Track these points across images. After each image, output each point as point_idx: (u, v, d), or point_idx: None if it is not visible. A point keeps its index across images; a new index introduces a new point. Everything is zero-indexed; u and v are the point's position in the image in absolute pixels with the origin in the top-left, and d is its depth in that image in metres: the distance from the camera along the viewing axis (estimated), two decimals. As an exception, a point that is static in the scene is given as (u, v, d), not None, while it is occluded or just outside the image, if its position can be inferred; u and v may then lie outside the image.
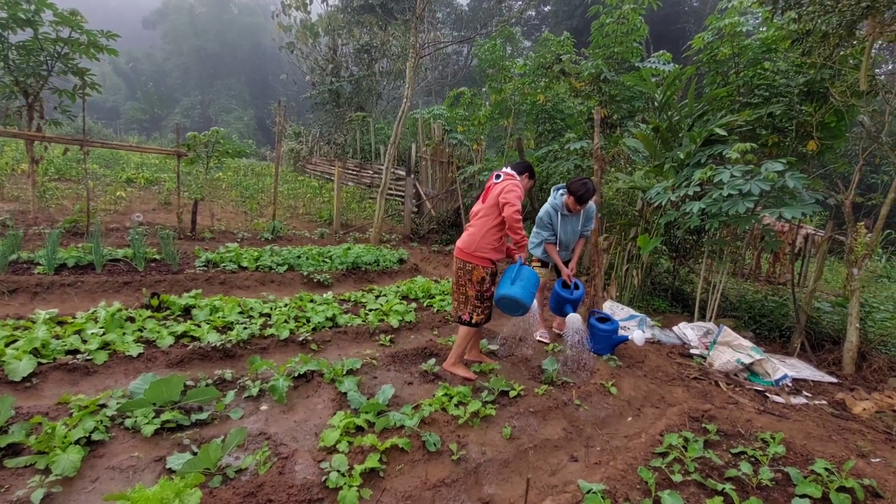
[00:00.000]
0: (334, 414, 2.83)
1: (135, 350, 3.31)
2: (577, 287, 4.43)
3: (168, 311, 4.09)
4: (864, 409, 3.95)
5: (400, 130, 8.88)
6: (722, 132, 5.18)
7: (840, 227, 6.34)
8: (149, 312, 3.96)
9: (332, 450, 2.51)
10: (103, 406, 2.65)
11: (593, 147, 6.01)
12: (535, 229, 4.69)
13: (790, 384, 4.40)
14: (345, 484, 2.26)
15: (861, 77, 4.72)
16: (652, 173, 6.13)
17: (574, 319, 4.15)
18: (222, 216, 9.25)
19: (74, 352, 3.22)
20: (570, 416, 3.33)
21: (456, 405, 3.10)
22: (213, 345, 3.51)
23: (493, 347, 4.31)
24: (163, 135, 31.55)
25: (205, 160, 7.49)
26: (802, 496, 2.50)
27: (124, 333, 3.52)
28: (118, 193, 9.07)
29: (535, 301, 4.06)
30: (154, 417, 2.59)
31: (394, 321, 4.59)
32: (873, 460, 3.24)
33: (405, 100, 8.49)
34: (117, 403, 2.66)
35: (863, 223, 5.88)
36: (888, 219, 5.04)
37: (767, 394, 4.21)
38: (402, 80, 13.12)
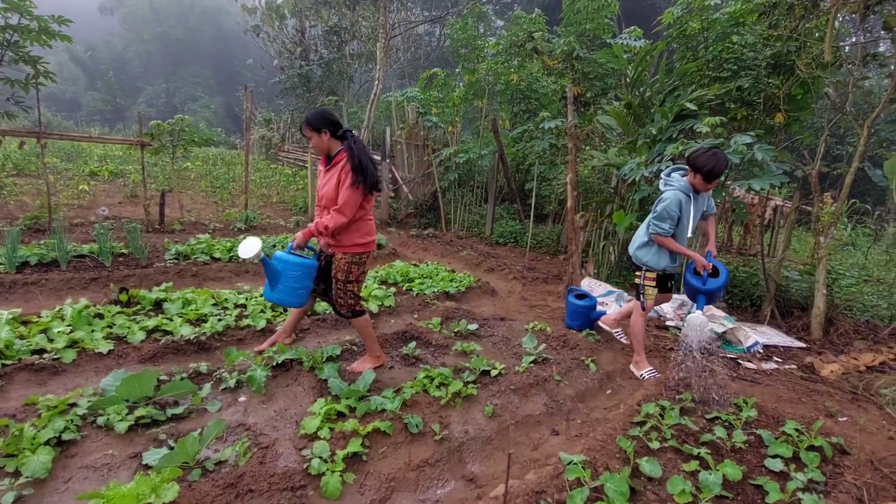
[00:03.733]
0: (315, 401, 2.80)
1: (104, 347, 3.21)
2: (715, 272, 3.49)
3: (138, 306, 3.97)
4: (832, 372, 4.10)
5: (373, 114, 8.75)
6: (692, 107, 5.23)
7: (807, 198, 6.52)
8: (118, 308, 3.84)
9: (313, 437, 2.49)
10: (73, 405, 2.56)
11: (567, 125, 6.01)
12: (652, 227, 3.62)
13: (761, 350, 4.54)
14: (327, 470, 2.25)
15: (825, 48, 4.79)
16: (625, 150, 6.17)
17: (694, 322, 3.29)
18: (192, 207, 9.01)
19: (41, 351, 3.11)
20: (550, 391, 3.37)
21: (437, 386, 3.10)
22: (187, 338, 3.43)
23: (473, 327, 4.32)
24: (127, 125, 30.46)
25: (171, 150, 7.24)
26: (774, 456, 2.59)
27: (93, 330, 3.40)
28: (81, 187, 8.73)
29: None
30: (127, 414, 2.52)
31: (373, 306, 4.55)
32: (840, 419, 3.38)
33: (377, 82, 8.34)
34: (88, 402, 2.58)
35: (829, 193, 6.04)
36: (853, 188, 5.19)
37: (740, 361, 4.33)
38: (374, 62, 12.87)
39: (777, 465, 2.52)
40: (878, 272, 6.67)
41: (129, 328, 3.49)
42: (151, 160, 9.86)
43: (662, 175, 3.73)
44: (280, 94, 18.97)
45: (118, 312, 3.76)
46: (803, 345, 4.79)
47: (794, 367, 4.29)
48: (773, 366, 4.27)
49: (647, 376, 3.82)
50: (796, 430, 2.82)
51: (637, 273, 3.84)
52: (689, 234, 3.61)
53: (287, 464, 2.29)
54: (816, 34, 5.40)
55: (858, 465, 2.66)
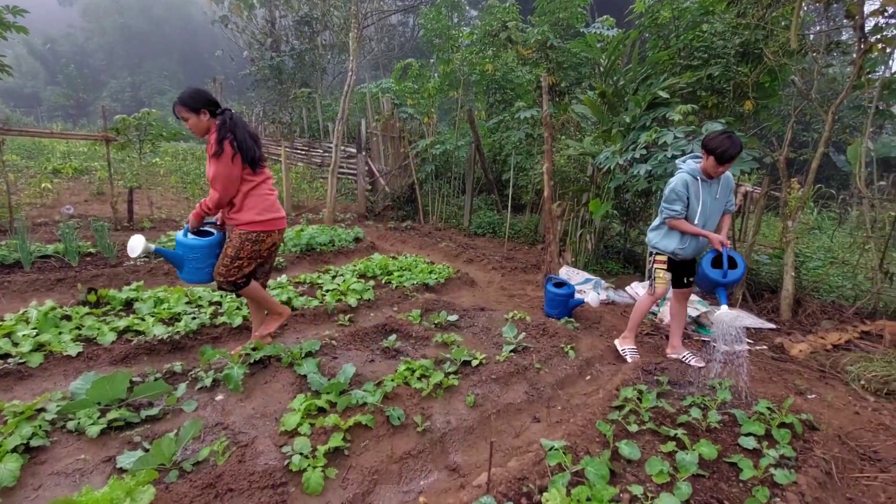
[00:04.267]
0: (294, 397, 2.76)
1: (73, 349, 3.11)
2: (733, 264, 3.32)
3: (108, 307, 3.85)
4: (801, 351, 4.24)
5: (347, 106, 8.61)
6: (665, 95, 5.30)
7: (776, 184, 6.71)
8: (86, 309, 3.71)
9: (293, 433, 2.46)
10: (42, 410, 2.47)
11: (543, 115, 6.03)
12: (664, 212, 3.59)
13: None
14: (308, 465, 2.22)
15: (791, 36, 4.90)
16: (600, 138, 6.23)
17: (725, 318, 3.20)
18: (162, 204, 8.77)
19: (5, 356, 2.99)
20: (531, 379, 3.40)
21: (418, 378, 3.10)
22: (160, 338, 3.34)
23: (453, 318, 4.32)
24: (91, 121, 29.41)
25: (138, 145, 7.01)
26: (747, 434, 2.67)
27: (60, 333, 3.29)
28: (44, 185, 8.40)
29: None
30: (99, 417, 2.45)
31: (352, 300, 4.51)
32: (809, 396, 3.50)
33: (350, 73, 8.21)
34: (57, 406, 2.49)
35: (796, 179, 6.21)
36: (818, 173, 5.34)
37: (713, 343, 4.44)
38: (347, 53, 12.66)
39: (750, 442, 2.60)
40: (842, 254, 6.90)
41: (98, 329, 3.38)
42: (118, 156, 9.53)
43: (677, 162, 3.70)
44: (251, 87, 18.51)
45: (87, 314, 3.64)
46: (773, 326, 4.93)
47: (765, 347, 4.42)
48: (746, 347, 4.39)
49: (627, 353, 3.90)
50: (768, 408, 2.91)
51: (649, 258, 3.86)
52: (697, 221, 3.49)
53: (267, 461, 2.26)
54: (783, 23, 5.51)
55: (827, 440, 2.76)
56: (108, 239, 5.18)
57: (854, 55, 5.06)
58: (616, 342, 4.07)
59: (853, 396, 3.55)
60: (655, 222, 3.75)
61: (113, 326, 3.43)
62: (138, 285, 4.24)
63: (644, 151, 5.09)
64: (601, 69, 6.69)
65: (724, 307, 3.27)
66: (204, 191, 10.37)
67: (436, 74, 10.52)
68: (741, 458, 2.44)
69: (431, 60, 10.63)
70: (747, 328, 4.81)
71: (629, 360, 3.87)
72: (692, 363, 3.75)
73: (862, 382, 3.67)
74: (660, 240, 3.69)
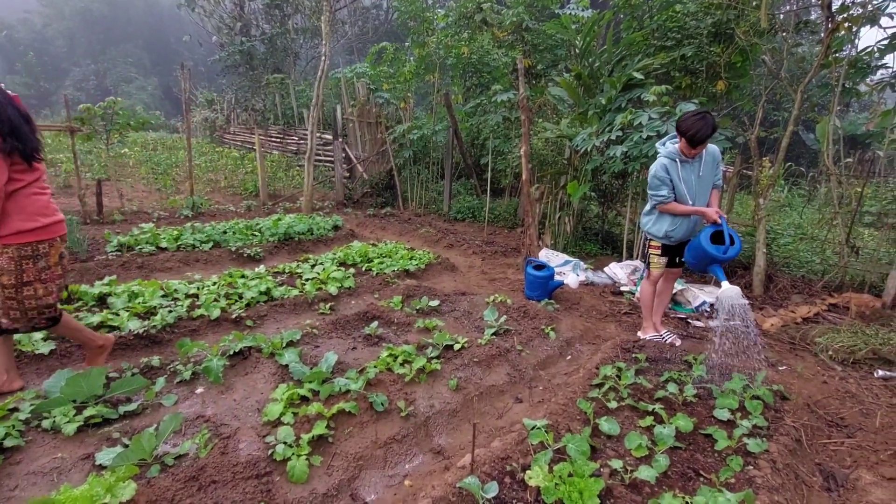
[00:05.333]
0: (276, 387, 2.75)
1: (45, 347, 3.03)
2: (732, 241, 3.21)
3: (80, 303, 3.75)
4: (772, 325, 4.38)
5: (322, 91, 8.45)
6: (639, 76, 5.33)
7: (748, 163, 6.84)
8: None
9: (276, 423, 2.45)
10: (15, 410, 2.41)
11: (519, 98, 6.02)
12: (652, 201, 3.62)
13: (708, 309, 4.78)
14: (293, 454, 2.22)
15: (762, 16, 4.97)
16: (577, 121, 6.25)
17: (730, 294, 3.11)
18: (133, 196, 8.53)
19: (-28, 356, 2.89)
20: (512, 361, 3.44)
21: (401, 364, 3.10)
22: (136, 332, 3.27)
23: (434, 304, 4.33)
24: (55, 111, 28.34)
25: (104, 135, 6.78)
26: (722, 407, 2.75)
27: (31, 330, 3.19)
28: (6, 179, 8.07)
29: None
30: (76, 415, 2.40)
31: (332, 288, 4.48)
32: (780, 368, 3.62)
33: (324, 58, 8.04)
34: (31, 405, 2.42)
35: (767, 158, 6.35)
36: (788, 151, 5.47)
37: (689, 320, 4.55)
38: (320, 37, 12.38)
39: (724, 414, 2.68)
40: (811, 230, 7.11)
41: (71, 326, 3.29)
42: (84, 147, 9.21)
43: (657, 145, 3.69)
44: (222, 73, 18.01)
45: (58, 310, 3.53)
46: (746, 301, 5.06)
47: (738, 322, 4.54)
48: (753, 322, 4.50)
49: (647, 338, 3.90)
50: (741, 381, 3.01)
51: (645, 242, 3.88)
52: (690, 203, 3.48)
53: (251, 451, 2.24)
54: (753, 2, 5.57)
55: (797, 409, 2.87)
56: (78, 233, 5.02)
57: (822, 34, 5.15)
58: (639, 334, 4.03)
59: (821, 367, 3.69)
60: (647, 207, 3.76)
61: (86, 323, 3.33)
62: (111, 280, 4.13)
63: (620, 133, 5.13)
64: (576, 51, 6.70)
65: (726, 284, 3.19)
66: (176, 181, 10.12)
67: (411, 58, 10.37)
68: (716, 430, 2.52)
69: (406, 44, 10.46)
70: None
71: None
72: (669, 341, 3.83)
73: (829, 353, 3.82)
74: (651, 225, 3.71)
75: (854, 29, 4.86)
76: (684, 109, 4.64)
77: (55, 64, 40.36)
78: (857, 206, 5.76)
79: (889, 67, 5.30)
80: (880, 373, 3.54)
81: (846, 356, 3.75)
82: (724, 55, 5.52)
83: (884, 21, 4.77)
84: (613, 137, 5.13)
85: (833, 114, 5.38)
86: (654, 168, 3.52)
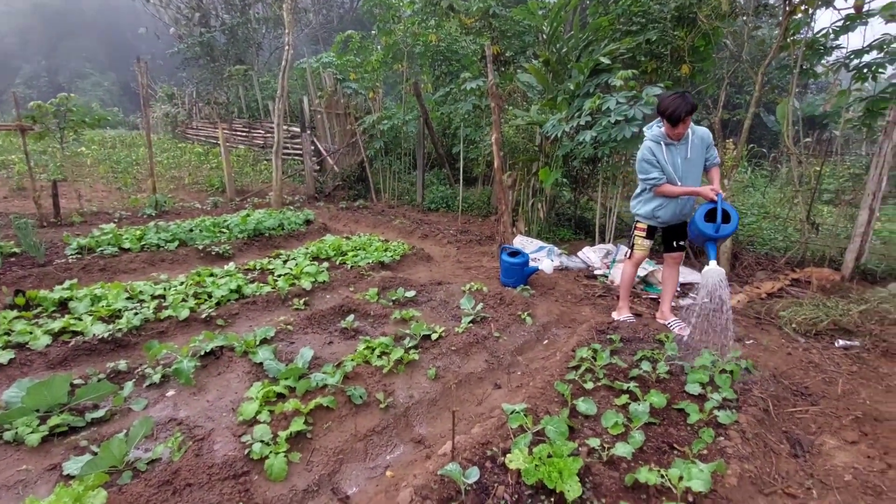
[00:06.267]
0: (251, 386, 2.69)
1: (4, 357, 2.88)
2: (727, 218, 3.17)
3: (40, 308, 3.59)
4: (738, 301, 4.51)
5: (287, 82, 8.24)
6: (606, 61, 5.37)
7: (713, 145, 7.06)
8: (15, 313, 3.44)
9: (252, 422, 2.40)
10: (-28, 423, 2.30)
11: (488, 85, 5.99)
12: (642, 185, 3.68)
13: (679, 289, 4.89)
14: (270, 452, 2.18)
15: (722, 0, 5.05)
16: (546, 107, 6.27)
17: (712, 273, 3.13)
18: (92, 196, 8.19)
19: (-77, 370, 2.74)
20: (490, 348, 3.45)
21: (379, 356, 3.08)
22: (101, 336, 3.15)
23: (410, 294, 4.31)
24: (5, 110, 26.88)
25: (58, 134, 6.47)
26: (693, 383, 2.83)
27: (-14, 340, 3.04)
28: (-46, 182, 7.66)
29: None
30: (39, 425, 2.30)
31: (306, 283, 4.41)
32: (747, 342, 3.74)
33: (287, 47, 7.84)
34: (-10, 417, 2.32)
35: (731, 140, 6.51)
36: (750, 133, 5.61)
37: (660, 300, 4.65)
38: (282, 26, 12.07)
39: (696, 389, 2.76)
40: (774, 209, 7.34)
41: (31, 333, 3.15)
42: (37, 147, 8.79)
43: (644, 129, 3.69)
44: (181, 66, 17.40)
45: (16, 317, 3.38)
46: (726, 283, 5.21)
47: (713, 301, 4.66)
48: (690, 301, 4.63)
49: (621, 319, 3.94)
50: (711, 357, 3.09)
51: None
52: (678, 185, 3.49)
53: (227, 452, 2.20)
54: (714, -14, 5.66)
55: (764, 381, 2.97)
56: (34, 237, 4.80)
57: (780, 17, 5.28)
58: (614, 315, 4.09)
59: (786, 339, 3.83)
60: (637, 190, 3.79)
61: (46, 329, 3.20)
62: (72, 284, 3.96)
63: (589, 118, 5.17)
64: (544, 37, 6.70)
65: (713, 263, 3.18)
66: (138, 179, 9.77)
67: (378, 47, 10.20)
68: (688, 404, 2.59)
69: (373, 32, 10.28)
70: (691, 283, 5.06)
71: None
72: (677, 331, 3.73)
73: (793, 326, 3.96)
74: (640, 206, 3.75)
75: (811, 11, 5.00)
76: (651, 93, 4.70)
77: (5, 61, 38.23)
78: (817, 184, 5.97)
79: (844, 48, 5.47)
80: (841, 342, 3.70)
81: (809, 328, 3.90)
82: (687, 39, 5.61)
83: (838, 3, 4.91)
84: (583, 123, 5.17)
85: (792, 95, 5.53)
86: (641, 152, 3.55)
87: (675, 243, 3.81)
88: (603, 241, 6.38)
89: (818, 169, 6.08)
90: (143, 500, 1.85)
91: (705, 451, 2.25)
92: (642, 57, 5.94)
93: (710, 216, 3.21)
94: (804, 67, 5.58)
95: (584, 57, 5.86)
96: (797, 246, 5.69)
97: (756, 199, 8.51)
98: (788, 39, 5.14)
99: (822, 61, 5.86)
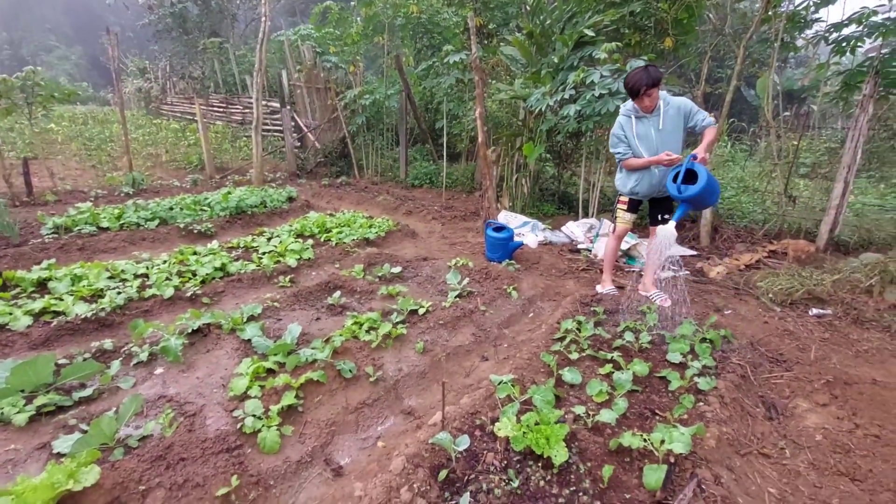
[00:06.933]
0: (240, 362, 2.70)
1: (-17, 338, 2.84)
2: (691, 176, 3.15)
3: (18, 289, 3.51)
4: (718, 273, 4.63)
5: (265, 56, 8.01)
6: (590, 33, 5.33)
7: (693, 119, 7.12)
8: (-8, 294, 3.37)
9: (243, 397, 2.42)
10: (-45, 405, 2.27)
11: (472, 58, 5.91)
12: (615, 158, 3.78)
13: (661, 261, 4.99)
14: (263, 426, 2.20)
15: (705, -30, 5.02)
16: (530, 81, 6.22)
17: (661, 234, 3.18)
18: (65, 174, 7.94)
19: None
20: (477, 321, 3.50)
21: (367, 331, 3.11)
22: (84, 316, 3.10)
23: (396, 270, 4.32)
24: (-36, 85, 25.62)
25: (26, 109, 6.22)
26: (674, 352, 2.92)
27: (-36, 322, 2.98)
28: (-84, 161, 7.33)
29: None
30: (26, 405, 2.28)
31: (291, 261, 4.38)
32: (726, 312, 3.85)
33: (264, 19, 7.59)
34: (-26, 399, 2.29)
35: (712, 114, 6.56)
36: (731, 107, 5.66)
37: (642, 272, 4.74)
38: (259, -3, 11.66)
39: (677, 358, 2.85)
40: (753, 183, 7.48)
41: (10, 314, 3.08)
42: (4, 124, 8.45)
43: (622, 107, 3.72)
44: (153, 38, 16.73)
45: (-7, 299, 3.31)
46: (694, 252, 5.33)
47: (687, 272, 4.78)
48: (671, 274, 4.73)
49: (604, 292, 4.00)
50: (692, 327, 3.19)
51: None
52: (644, 156, 3.52)
53: (219, 427, 2.22)
54: (698, -43, 5.62)
55: (741, 348, 3.08)
56: (7, 217, 4.66)
57: (762, -11, 5.27)
58: (597, 288, 4.14)
59: (763, 308, 3.95)
60: (619, 175, 3.87)
61: (26, 310, 3.14)
62: (50, 264, 3.88)
63: (573, 92, 5.15)
64: (527, 8, 6.60)
65: (671, 224, 3.20)
66: (112, 156, 9.49)
67: (358, 19, 9.94)
68: (669, 372, 2.68)
69: (352, 3, 10.01)
70: (671, 256, 5.16)
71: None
72: (659, 302, 3.78)
73: (770, 296, 4.09)
74: (620, 182, 3.85)
75: (792, -17, 5.01)
76: (634, 66, 4.69)
77: (-40, 32, 36.36)
78: (794, 158, 6.08)
79: (824, 21, 5.52)
80: (814, 311, 3.83)
81: (784, 298, 4.03)
82: (671, 11, 5.59)
83: (819, -25, 4.93)
84: (567, 96, 5.15)
85: (773, 69, 5.58)
86: (613, 128, 3.68)
87: (659, 216, 3.86)
88: (586, 215, 6.44)
89: (796, 143, 6.18)
90: (137, 474, 1.86)
91: (686, 416, 2.34)
92: (626, 29, 5.91)
93: (688, 178, 3.19)
94: (785, 41, 5.62)
95: (568, 29, 5.81)
96: (775, 219, 5.82)
97: (736, 174, 8.65)
98: (770, 12, 5.16)
99: (802, 35, 5.91)
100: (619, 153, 3.66)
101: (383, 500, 1.74)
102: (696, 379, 2.61)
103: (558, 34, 5.85)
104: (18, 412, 2.23)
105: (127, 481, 1.82)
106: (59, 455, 2.03)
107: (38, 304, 3.19)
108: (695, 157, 3.22)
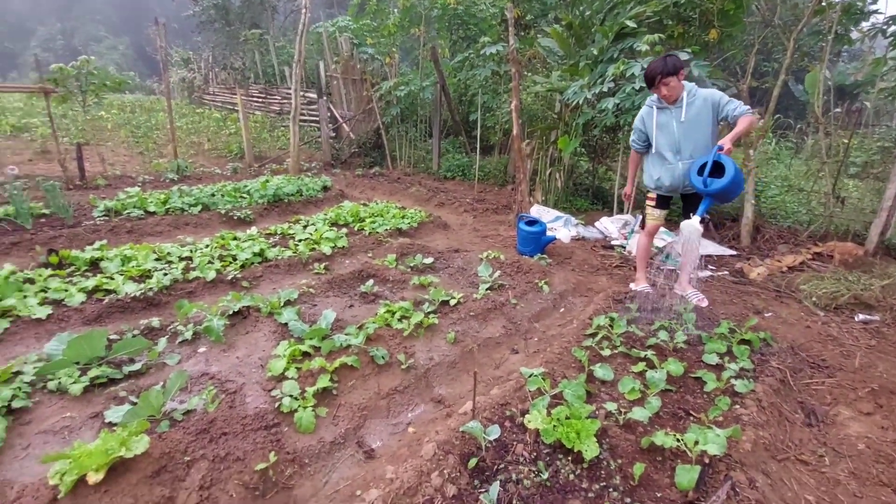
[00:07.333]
0: (278, 345, 2.80)
1: (42, 312, 3.01)
2: (718, 169, 3.04)
3: (72, 268, 3.71)
4: (759, 274, 4.49)
5: (304, 47, 8.14)
6: (632, 24, 5.21)
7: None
8: (49, 271, 3.57)
9: (280, 378, 2.50)
10: (18, 373, 2.43)
11: (509, 50, 5.87)
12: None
13: (698, 261, 4.86)
14: (299, 406, 2.28)
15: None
16: (567, 73, 6.13)
17: (686, 229, 3.09)
18: (115, 160, 8.30)
19: (-32, 323, 2.88)
20: (508, 314, 3.51)
21: (399, 319, 3.16)
22: (133, 295, 3.26)
23: (428, 261, 4.36)
24: (23, 73, 27.06)
25: (80, 97, 6.52)
26: (710, 352, 2.86)
27: (25, 297, 3.17)
28: (-20, 145, 7.81)
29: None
30: (80, 376, 2.43)
31: (326, 248, 4.48)
32: (766, 315, 3.74)
33: (304, 10, 7.71)
34: (34, 368, 2.45)
35: (756, 109, 6.33)
36: (778, 101, 5.45)
37: (678, 271, 4.64)
38: (299, -11, 11.84)
39: (713, 359, 2.79)
40: (798, 182, 7.19)
41: (66, 291, 3.27)
42: (59, 110, 8.87)
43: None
44: (196, 30, 17.22)
45: (51, 275, 3.51)
46: (734, 252, 5.18)
47: (726, 273, 4.65)
48: (709, 273, 4.62)
49: (638, 290, 3.90)
50: (729, 328, 3.11)
51: None
52: (666, 148, 3.46)
53: (258, 405, 2.31)
54: (748, -55, 5.41)
55: (781, 352, 2.99)
56: (62, 199, 4.92)
57: (817, -21, 5.04)
58: (631, 286, 4.06)
59: (805, 312, 3.82)
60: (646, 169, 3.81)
61: (81, 287, 3.33)
62: (101, 244, 4.09)
63: (612, 84, 5.06)
64: None
65: (695, 218, 3.11)
66: (158, 144, 9.85)
67: (395, 10, 9.98)
68: (705, 373, 2.63)
69: (390, -6, 10.06)
70: (711, 255, 5.04)
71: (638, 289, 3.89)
72: (695, 301, 3.70)
73: (813, 299, 3.94)
74: (646, 177, 3.77)
75: (850, -28, 4.77)
76: (677, 59, 4.56)
77: (20, 24, 38.20)
78: (844, 157, 5.81)
79: (882, 13, 5.23)
80: (861, 317, 3.68)
81: (829, 302, 3.88)
82: (716, 2, 5.39)
83: (880, -36, 4.67)
84: (605, 89, 5.06)
85: (824, 63, 5.34)
86: (635, 117, 3.73)
87: (690, 215, 3.76)
88: (621, 211, 6.33)
89: (846, 141, 5.91)
90: (183, 446, 1.96)
91: (721, 418, 2.30)
92: (669, 20, 5.73)
93: (714, 170, 3.08)
94: (838, 33, 5.36)
95: (609, 20, 5.69)
96: (821, 220, 5.59)
97: (780, 172, 8.33)
98: (823, 3, 4.92)
99: (858, 27, 5.62)
100: (632, 141, 3.77)
101: (414, 484, 1.79)
102: (732, 381, 2.56)
103: (598, 25, 5.74)
104: (74, 382, 2.38)
105: (173, 451, 1.92)
106: (111, 424, 2.16)
107: (91, 282, 3.38)
108: (721, 149, 3.09)
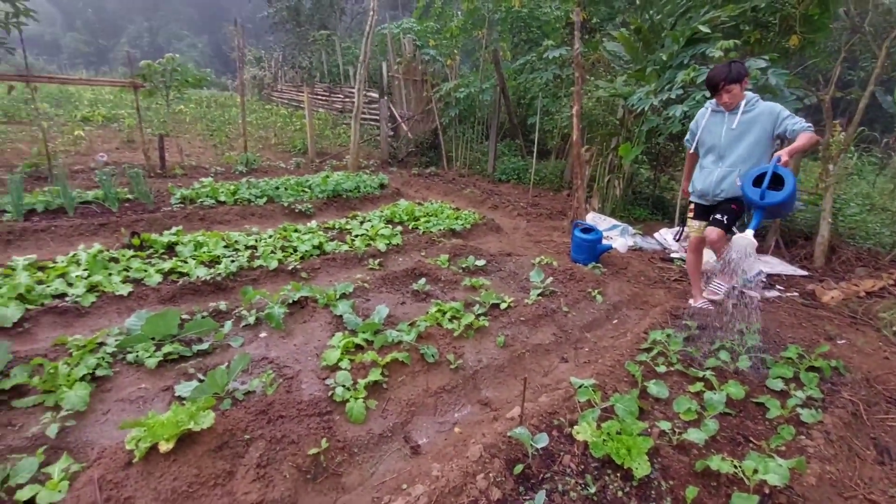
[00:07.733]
0: (332, 336, 2.90)
1: (124, 289, 3.28)
2: (777, 181, 2.88)
3: (151, 250, 4.01)
4: (832, 298, 4.20)
5: (369, 48, 8.37)
6: (705, 29, 5.00)
7: (816, 125, 6.37)
8: (131, 252, 3.88)
9: (334, 368, 2.60)
10: (102, 344, 2.66)
11: (574, 53, 5.79)
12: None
13: (765, 279, 4.61)
14: (351, 397, 2.37)
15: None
16: (633, 79, 5.97)
17: (739, 243, 2.83)
18: (191, 151, 8.86)
19: (61, 295, 3.17)
20: (559, 322, 3.47)
21: (450, 320, 3.19)
22: (203, 279, 3.49)
23: (480, 263, 4.38)
24: (112, 68, 29.29)
25: (164, 91, 7.01)
26: (775, 377, 2.71)
27: (110, 274, 3.46)
28: (76, 133, 8.55)
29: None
30: (155, 351, 2.63)
31: (381, 245, 4.59)
32: (839, 342, 3.50)
33: (371, 13, 7.92)
34: (116, 340, 2.67)
35: (838, 122, 5.90)
36: (864, 113, 5.07)
37: (743, 290, 4.41)
38: (366, -9, 12.16)
39: (778, 384, 2.65)
40: (882, 201, 6.65)
41: (145, 271, 3.55)
42: (144, 103, 9.57)
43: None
44: (269, 30, 18.08)
45: (132, 256, 3.81)
46: (805, 273, 4.86)
47: (796, 294, 4.38)
48: (776, 294, 4.37)
49: (697, 307, 3.70)
50: (798, 354, 2.93)
51: None
52: (707, 152, 3.42)
53: (312, 392, 2.41)
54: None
55: (854, 383, 2.79)
56: (144, 186, 5.31)
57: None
58: (690, 301, 3.88)
59: (884, 342, 3.54)
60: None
61: (158, 268, 3.59)
62: (178, 230, 4.39)
63: (681, 91, 4.88)
64: (636, 2, 6.31)
65: (749, 231, 2.89)
66: (230, 137, 10.42)
67: (459, 13, 10.06)
68: (768, 399, 2.50)
69: (455, -3, 10.16)
70: (780, 275, 4.76)
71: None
72: (708, 296, 3.66)
73: (894, 329, 3.64)
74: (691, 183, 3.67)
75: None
76: (753, 67, 4.35)
77: (112, 21, 41.49)
78: (939, 175, 5.31)
79: None
80: (950, 351, 3.37)
81: (913, 333, 3.57)
82: (800, 7, 5.09)
83: None
84: (673, 96, 4.89)
85: (922, 73, 4.91)
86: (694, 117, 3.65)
87: (711, 216, 3.52)
88: (682, 223, 6.08)
89: (944, 159, 5.40)
90: (244, 424, 2.08)
91: (783, 448, 2.18)
92: (746, 26, 5.46)
93: (770, 183, 2.89)
94: (942, 41, 4.91)
95: (680, 25, 5.48)
96: (908, 243, 5.15)
97: (862, 189, 7.72)
98: (926, 9, 4.53)
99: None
100: (685, 140, 3.72)
101: (459, 484, 1.81)
102: (798, 409, 2.41)
103: (669, 30, 5.55)
104: (150, 356, 2.58)
105: (235, 429, 2.05)
106: (181, 398, 2.32)
107: (167, 265, 3.64)
108: (779, 160, 2.90)
